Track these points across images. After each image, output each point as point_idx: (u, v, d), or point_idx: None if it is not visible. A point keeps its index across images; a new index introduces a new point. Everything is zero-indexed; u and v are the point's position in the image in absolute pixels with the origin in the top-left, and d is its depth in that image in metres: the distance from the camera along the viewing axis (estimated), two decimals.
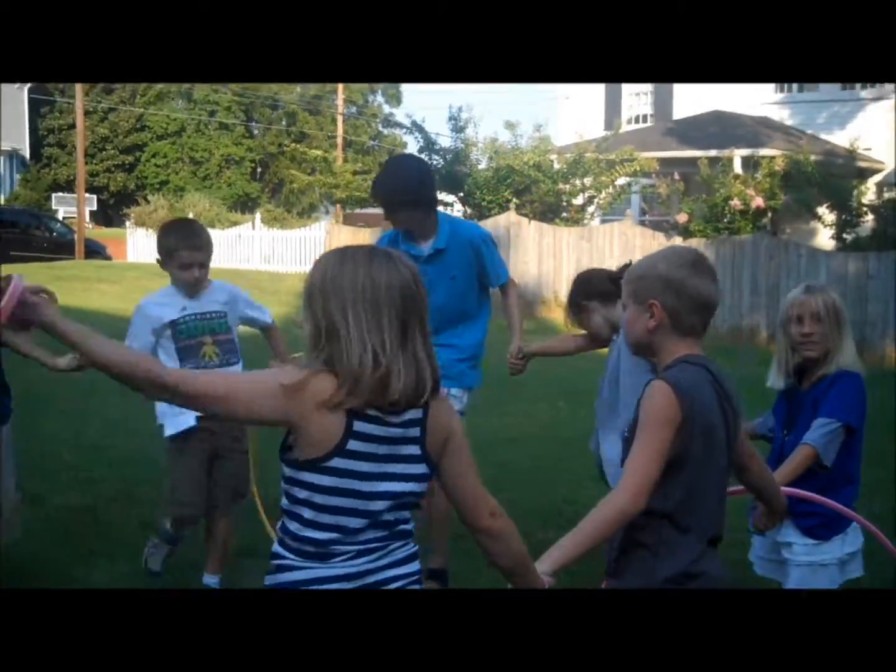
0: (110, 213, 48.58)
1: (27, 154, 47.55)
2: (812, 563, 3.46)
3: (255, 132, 53.22)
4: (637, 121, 26.82)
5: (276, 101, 52.88)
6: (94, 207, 45.79)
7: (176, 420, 4.25)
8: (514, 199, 20.44)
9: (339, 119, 42.46)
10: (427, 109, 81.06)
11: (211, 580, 4.51)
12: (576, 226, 20.04)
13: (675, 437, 2.39)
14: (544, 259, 19.47)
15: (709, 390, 2.46)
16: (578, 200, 20.98)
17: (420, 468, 2.17)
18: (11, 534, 4.12)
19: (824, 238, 18.11)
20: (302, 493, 2.11)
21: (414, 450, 2.15)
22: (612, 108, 26.49)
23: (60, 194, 41.71)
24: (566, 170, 20.50)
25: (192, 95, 51.08)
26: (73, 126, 47.31)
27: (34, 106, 47.15)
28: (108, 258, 30.18)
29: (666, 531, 2.44)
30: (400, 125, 26.22)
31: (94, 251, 30.32)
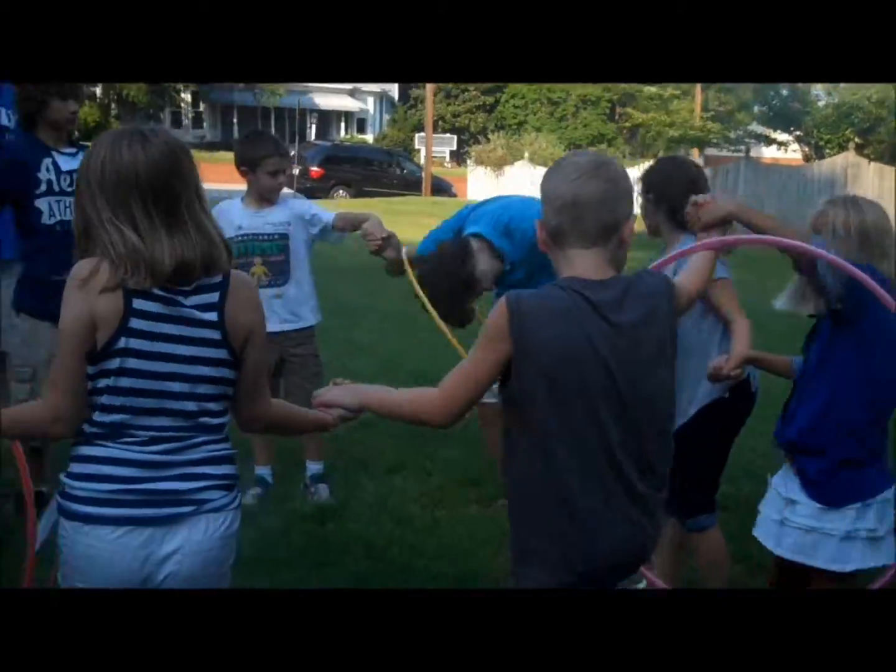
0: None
1: (396, 96, 50.27)
2: (812, 528, 2.88)
3: None
4: None
5: None
6: (454, 147, 47.73)
7: None
8: (856, 139, 18.72)
9: None
10: None
11: (314, 467, 4.87)
12: None
13: (506, 367, 2.08)
14: (884, 204, 17.69)
15: (575, 321, 2.07)
16: None
17: (219, 353, 2.14)
18: None
19: None
20: (95, 383, 2.10)
21: (212, 333, 2.12)
22: None
23: (423, 134, 43.65)
24: None
25: None
26: None
27: None
28: (454, 196, 31.36)
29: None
30: None
31: (441, 189, 31.61)
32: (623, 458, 2.10)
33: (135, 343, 2.05)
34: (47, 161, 4.10)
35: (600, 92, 50.42)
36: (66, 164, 4.14)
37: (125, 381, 2.07)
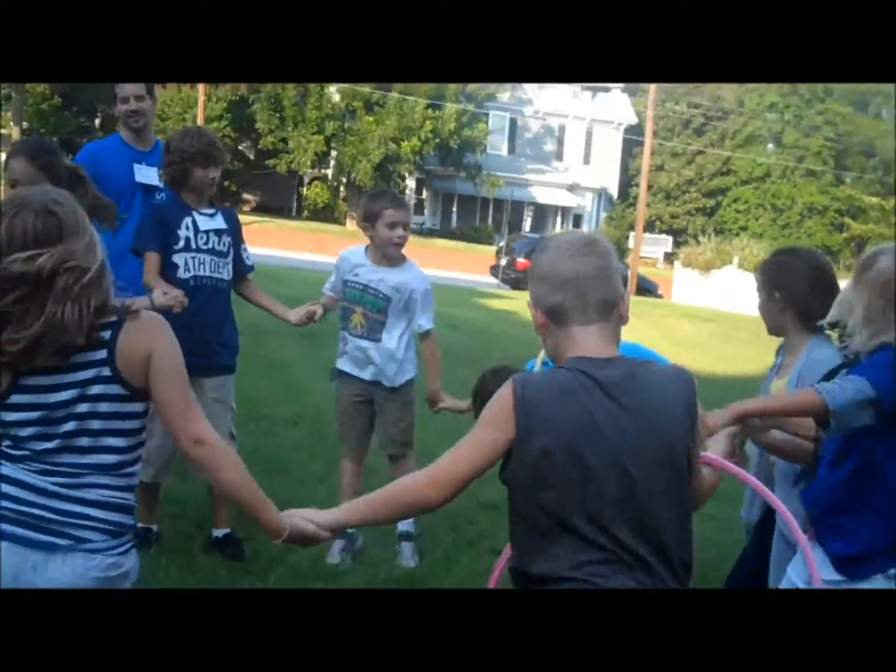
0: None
1: (615, 193, 50.50)
2: None
3: (846, 181, 50.95)
4: None
5: (873, 147, 50.12)
6: (669, 248, 47.34)
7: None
8: None
9: None
10: None
11: (403, 527, 4.87)
12: None
13: (512, 451, 2.07)
14: None
15: (578, 401, 2.05)
16: None
17: (111, 388, 2.21)
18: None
19: None
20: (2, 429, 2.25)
21: (102, 371, 2.20)
22: None
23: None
24: None
25: (782, 140, 50.39)
26: (660, 168, 49.47)
27: (627, 147, 49.93)
28: (659, 297, 31.06)
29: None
30: None
31: (647, 289, 31.34)
32: (631, 539, 2.05)
33: (27, 399, 2.19)
34: (187, 220, 4.44)
35: (828, 201, 48.93)
36: (204, 223, 4.47)
37: (23, 431, 2.21)
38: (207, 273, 4.46)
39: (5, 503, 2.20)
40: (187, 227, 4.44)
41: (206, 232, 4.47)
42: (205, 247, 4.46)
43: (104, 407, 2.22)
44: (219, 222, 4.53)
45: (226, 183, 42.03)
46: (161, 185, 5.05)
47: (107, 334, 2.21)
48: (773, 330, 3.45)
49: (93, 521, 2.23)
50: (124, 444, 2.28)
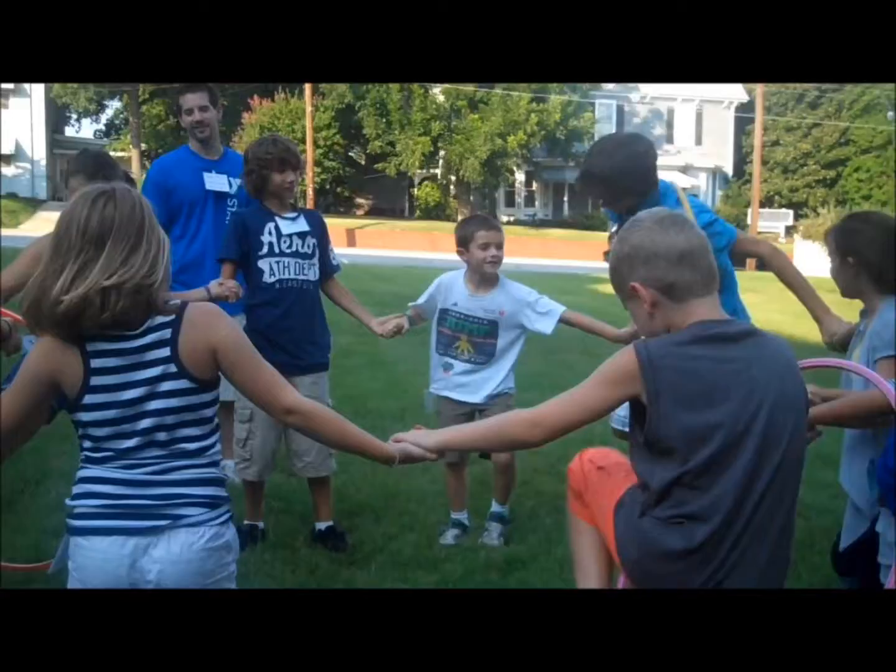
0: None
1: (730, 171, 49.40)
2: None
3: None
4: None
5: None
6: (790, 222, 46.04)
7: (434, 384, 4.95)
8: None
9: None
10: None
11: (497, 508, 4.98)
12: None
13: (646, 412, 2.16)
14: None
15: (702, 357, 2.15)
16: None
17: (179, 384, 2.31)
18: (323, 470, 4.73)
19: None
20: (77, 430, 2.37)
21: (168, 368, 2.29)
22: None
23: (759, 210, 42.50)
24: None
25: None
26: (775, 143, 48.17)
27: (739, 125, 48.77)
28: None
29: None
30: None
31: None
32: (761, 490, 2.15)
33: (98, 398, 2.29)
34: (270, 225, 4.56)
35: None
36: (287, 227, 4.58)
37: (101, 431, 2.32)
38: (292, 276, 4.55)
39: (102, 501, 2.32)
40: (270, 233, 4.55)
41: (290, 235, 4.56)
42: (288, 250, 4.56)
43: (175, 402, 2.32)
44: (301, 225, 4.62)
45: (338, 189, 42.83)
46: (232, 191, 5.21)
47: (167, 332, 2.30)
48: (848, 293, 3.42)
49: (189, 497, 2.33)
50: (201, 432, 2.38)
